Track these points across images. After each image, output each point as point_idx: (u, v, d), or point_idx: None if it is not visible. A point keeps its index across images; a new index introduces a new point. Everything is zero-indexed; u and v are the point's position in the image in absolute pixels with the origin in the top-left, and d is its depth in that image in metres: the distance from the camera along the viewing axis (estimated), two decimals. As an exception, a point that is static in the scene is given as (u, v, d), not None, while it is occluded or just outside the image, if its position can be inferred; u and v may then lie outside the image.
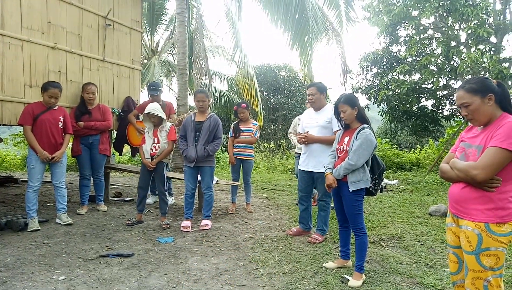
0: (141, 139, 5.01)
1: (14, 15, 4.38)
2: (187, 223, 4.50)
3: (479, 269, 1.90)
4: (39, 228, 4.23)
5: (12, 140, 12.39)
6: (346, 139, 3.18)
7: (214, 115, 4.71)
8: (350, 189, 3.04)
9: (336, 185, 3.22)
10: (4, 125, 4.57)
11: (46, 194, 6.39)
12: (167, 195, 5.91)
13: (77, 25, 5.21)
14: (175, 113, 6.00)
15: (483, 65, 8.63)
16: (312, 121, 4.19)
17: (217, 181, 5.55)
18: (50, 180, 4.63)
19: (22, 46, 4.50)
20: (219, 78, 15.49)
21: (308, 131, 4.14)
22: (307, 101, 4.36)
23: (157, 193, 5.00)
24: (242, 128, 5.54)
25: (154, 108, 4.57)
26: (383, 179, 3.42)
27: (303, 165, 4.23)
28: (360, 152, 2.98)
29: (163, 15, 14.55)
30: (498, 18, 9.55)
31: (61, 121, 4.47)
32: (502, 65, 8.89)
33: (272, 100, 16.36)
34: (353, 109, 3.12)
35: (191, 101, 10.51)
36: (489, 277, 1.89)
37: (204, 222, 4.56)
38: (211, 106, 14.07)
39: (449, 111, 11.63)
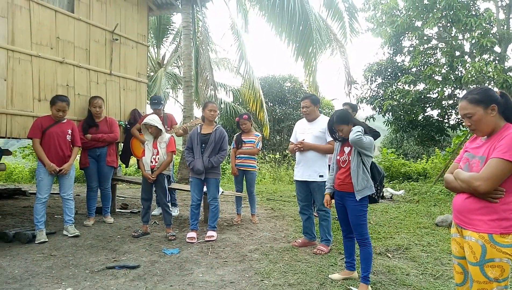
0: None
1: (24, 31, 4.51)
2: (192, 234, 4.52)
3: (484, 280, 1.90)
4: (47, 240, 4.27)
5: (20, 153, 12.54)
6: (347, 149, 3.24)
7: (220, 127, 4.76)
8: (357, 198, 3.08)
9: (330, 207, 3.44)
10: (13, 138, 4.66)
11: (54, 206, 6.44)
12: (171, 206, 5.96)
13: (85, 40, 5.33)
14: (176, 124, 6.08)
15: (488, 74, 8.61)
16: (306, 131, 4.29)
17: (223, 192, 5.57)
18: (57, 192, 4.69)
19: (32, 61, 4.61)
20: (224, 90, 15.64)
21: (303, 140, 4.22)
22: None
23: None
24: (244, 139, 5.58)
25: (152, 118, 4.64)
26: (383, 185, 3.45)
27: (298, 176, 4.28)
28: (366, 140, 3.07)
29: (169, 28, 14.77)
30: (501, 27, 9.57)
31: (69, 134, 4.55)
32: (508, 74, 8.88)
33: (277, 110, 16.43)
34: (348, 125, 3.20)
35: (196, 112, 10.62)
36: (494, 288, 1.88)
37: (210, 233, 4.57)
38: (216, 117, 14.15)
39: (455, 120, 11.58)
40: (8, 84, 4.35)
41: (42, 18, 4.71)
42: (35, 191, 4.49)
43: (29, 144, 11.86)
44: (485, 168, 1.90)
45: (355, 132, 3.05)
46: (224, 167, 13.48)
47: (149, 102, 6.32)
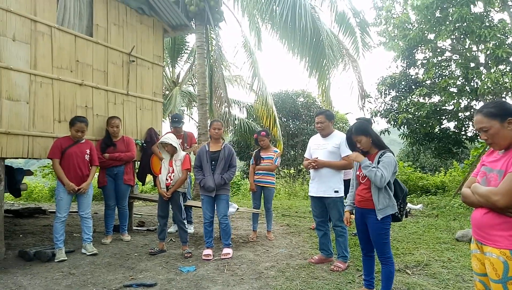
0: None
1: (46, 56, 4.69)
2: (208, 251, 4.52)
3: (507, 298, 1.85)
4: (66, 258, 4.33)
5: (40, 172, 12.83)
6: None
7: (228, 145, 4.83)
8: (379, 217, 3.00)
9: (349, 225, 3.37)
10: (34, 158, 4.79)
11: (72, 225, 6.55)
12: (187, 223, 5.98)
13: (103, 62, 5.50)
14: (196, 143, 6.18)
15: (505, 85, 8.48)
16: (320, 147, 4.28)
17: (238, 209, 5.58)
18: (76, 210, 4.78)
19: (52, 84, 4.78)
20: (238, 106, 15.77)
21: (317, 157, 4.20)
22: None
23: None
24: (262, 156, 5.62)
25: (167, 137, 4.75)
26: (407, 203, 3.38)
27: (313, 191, 4.26)
28: (387, 173, 2.98)
29: (184, 48, 15.10)
30: (517, 37, 9.44)
31: (87, 154, 4.66)
32: (525, 84, 8.71)
33: (291, 126, 16.45)
34: (367, 137, 3.14)
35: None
36: (518, 306, 1.83)
37: (225, 250, 4.57)
38: (230, 133, 14.27)
39: (473, 132, 11.36)
40: (30, 106, 4.51)
41: (62, 43, 4.90)
42: (54, 210, 4.59)
43: (48, 163, 12.14)
44: (503, 182, 1.87)
45: (366, 168, 3.01)
46: (239, 183, 13.50)
47: (168, 120, 6.44)
